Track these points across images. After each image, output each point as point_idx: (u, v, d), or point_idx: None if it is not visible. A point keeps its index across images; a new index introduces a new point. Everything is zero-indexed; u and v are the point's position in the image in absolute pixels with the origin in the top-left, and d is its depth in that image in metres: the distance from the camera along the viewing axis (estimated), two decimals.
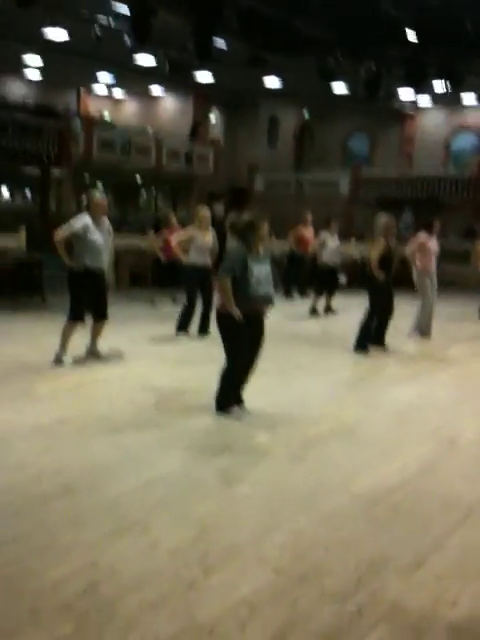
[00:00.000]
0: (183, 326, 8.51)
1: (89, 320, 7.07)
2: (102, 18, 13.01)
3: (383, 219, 8.29)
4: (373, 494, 4.03)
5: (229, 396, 5.37)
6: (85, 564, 3.11)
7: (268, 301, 5.29)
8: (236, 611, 2.81)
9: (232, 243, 5.65)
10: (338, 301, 11.74)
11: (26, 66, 18.76)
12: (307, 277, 12.69)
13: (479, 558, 3.31)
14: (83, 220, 6.71)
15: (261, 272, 5.15)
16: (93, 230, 6.69)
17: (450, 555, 3.33)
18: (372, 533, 3.55)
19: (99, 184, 18.60)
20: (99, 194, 6.94)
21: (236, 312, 5.06)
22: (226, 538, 3.41)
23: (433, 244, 9.21)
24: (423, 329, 9.36)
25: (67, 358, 6.84)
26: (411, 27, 12.45)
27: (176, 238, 8.87)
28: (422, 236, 9.17)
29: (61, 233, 6.69)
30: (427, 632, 2.68)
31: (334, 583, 3.04)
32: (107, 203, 6.95)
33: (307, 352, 8.20)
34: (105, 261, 6.87)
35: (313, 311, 11.23)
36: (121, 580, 3.00)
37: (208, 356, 7.14)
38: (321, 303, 11.39)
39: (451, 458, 4.75)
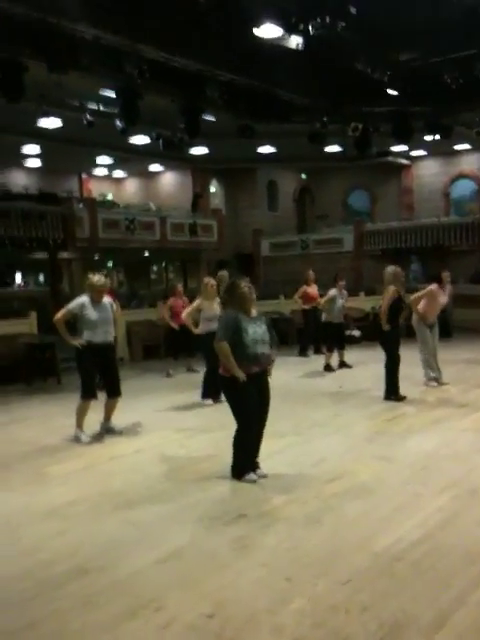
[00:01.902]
0: (208, 392, 8.54)
1: (103, 397, 7.11)
2: (92, 104, 13.56)
3: (391, 268, 8.62)
4: (393, 552, 3.92)
5: (244, 461, 5.32)
6: None
7: (266, 359, 5.30)
8: None
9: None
10: (352, 355, 11.70)
11: (26, 156, 19.43)
12: (319, 334, 12.71)
13: None
14: (80, 300, 6.87)
15: (256, 332, 5.21)
16: (90, 308, 6.82)
17: (472, 611, 3.22)
18: (393, 593, 3.45)
19: (109, 263, 19.01)
20: (96, 277, 6.96)
21: (239, 374, 5.08)
22: (243, 610, 3.33)
23: (442, 296, 9.23)
24: (432, 376, 9.29)
25: (84, 436, 6.84)
26: (393, 86, 12.83)
27: (185, 311, 9.01)
28: (434, 288, 9.19)
29: (59, 314, 6.84)
30: None
31: None
32: (105, 283, 7.02)
33: (323, 409, 8.13)
34: (108, 334, 6.95)
35: (327, 367, 11.20)
36: None
37: (224, 423, 7.09)
38: (334, 359, 11.37)
39: (472, 509, 4.63)
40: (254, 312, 5.38)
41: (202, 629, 3.17)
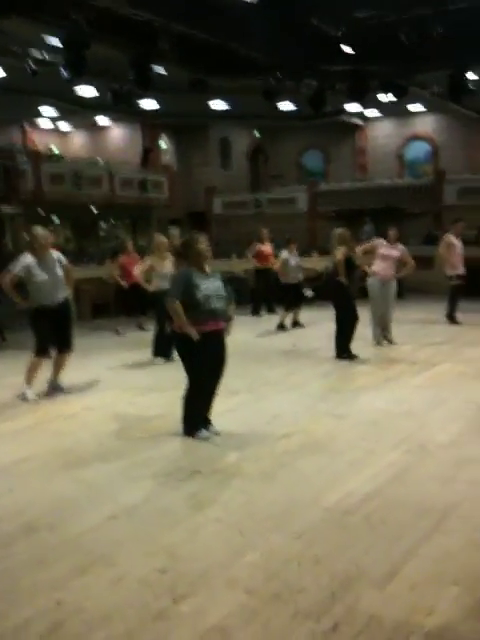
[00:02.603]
0: (159, 350, 8.43)
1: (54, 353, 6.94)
2: (37, 52, 12.90)
3: (338, 230, 8.63)
4: (345, 506, 3.96)
5: (195, 419, 5.27)
6: (48, 604, 2.98)
7: (221, 315, 5.21)
8: (208, 638, 2.71)
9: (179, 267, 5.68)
10: (305, 315, 11.74)
11: None
12: (273, 294, 12.70)
13: (452, 564, 3.25)
14: (24, 262, 6.57)
15: (209, 288, 5.11)
16: (37, 269, 6.55)
17: (424, 563, 3.26)
18: (345, 546, 3.48)
19: (54, 218, 18.42)
20: (40, 230, 6.69)
21: (192, 332, 4.99)
22: (196, 565, 3.31)
23: (389, 251, 9.27)
24: (380, 336, 9.38)
25: (31, 393, 6.68)
26: (348, 44, 12.62)
27: (137, 270, 8.85)
28: (377, 241, 9.31)
29: (6, 278, 6.59)
30: None
31: (308, 600, 2.96)
32: (49, 238, 6.75)
33: (277, 367, 8.14)
34: (59, 294, 6.73)
35: (281, 326, 11.23)
36: (87, 617, 2.88)
37: (175, 382, 7.00)
38: (288, 318, 11.39)
39: (422, 464, 4.70)
40: (208, 269, 5.29)
41: (154, 584, 3.14)
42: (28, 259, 6.59)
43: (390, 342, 9.42)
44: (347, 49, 12.17)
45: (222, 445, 5.11)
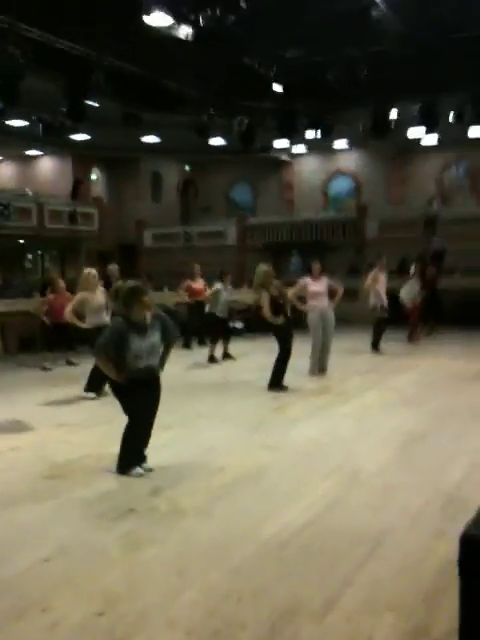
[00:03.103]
0: (93, 386, 8.26)
1: None
2: None
3: (262, 268, 8.80)
4: (281, 538, 3.99)
5: (130, 456, 5.21)
6: None
7: (150, 374, 5.15)
8: None
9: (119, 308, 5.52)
10: (235, 347, 11.83)
11: None
12: (205, 327, 12.76)
13: (387, 591, 3.32)
14: None
15: (141, 347, 5.01)
16: None
17: (359, 591, 3.32)
18: (283, 578, 3.50)
19: None
20: None
21: (122, 379, 5.00)
22: (134, 606, 3.25)
23: (316, 286, 9.56)
24: (317, 366, 9.60)
25: None
26: (278, 81, 13.05)
27: (67, 309, 8.56)
28: (303, 280, 9.60)
29: None
30: None
31: (248, 636, 2.96)
32: None
33: (208, 400, 8.15)
34: None
35: (211, 359, 11.27)
36: None
37: (106, 417, 6.97)
38: (218, 350, 11.45)
39: (355, 492, 4.81)
40: (148, 318, 5.14)
41: (92, 628, 3.06)
42: None
43: (323, 371, 9.62)
44: (278, 88, 12.56)
45: (157, 481, 5.06)
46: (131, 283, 5.24)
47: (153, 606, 3.25)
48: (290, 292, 9.38)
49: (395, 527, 4.12)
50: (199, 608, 3.22)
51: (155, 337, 5.13)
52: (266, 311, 8.47)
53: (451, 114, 15.38)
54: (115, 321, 5.26)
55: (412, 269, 13.20)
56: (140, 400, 5.10)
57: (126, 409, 5.18)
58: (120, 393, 5.16)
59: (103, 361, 5.08)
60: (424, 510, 4.40)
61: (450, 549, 3.73)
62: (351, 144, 22.85)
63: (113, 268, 9.70)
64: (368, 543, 3.87)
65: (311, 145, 22.33)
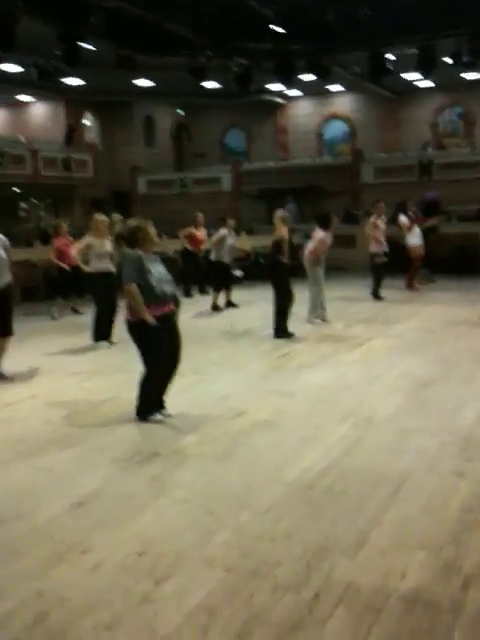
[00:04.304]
0: (100, 334, 8.31)
1: None
2: None
3: (280, 212, 8.90)
4: (305, 480, 4.11)
5: (149, 403, 5.29)
6: (29, 595, 2.97)
7: (171, 298, 5.28)
8: (195, 617, 2.78)
9: (126, 251, 5.60)
10: (237, 295, 11.85)
11: None
12: (204, 274, 12.74)
13: (415, 529, 3.45)
14: None
15: (160, 272, 5.18)
16: None
17: (389, 530, 3.45)
18: (312, 518, 3.62)
19: None
20: None
21: (149, 318, 4.99)
22: (171, 546, 3.37)
23: (330, 238, 9.54)
24: (321, 314, 9.66)
25: None
26: (277, 23, 12.73)
27: (74, 249, 8.60)
28: (320, 233, 9.47)
29: None
30: (384, 607, 2.77)
31: (286, 573, 3.08)
32: None
33: (218, 349, 8.22)
34: (3, 279, 6.54)
35: (215, 307, 11.30)
36: (70, 606, 2.89)
37: (119, 365, 7.06)
38: (221, 299, 11.47)
39: (371, 435, 4.92)
40: (151, 254, 5.29)
41: (133, 568, 3.18)
42: None
43: (324, 320, 9.68)
44: (277, 29, 12.25)
45: (177, 427, 5.17)
46: (134, 221, 5.41)
47: (189, 546, 3.36)
48: (310, 247, 9.38)
49: (414, 469, 4.24)
50: (234, 548, 3.33)
51: (162, 265, 5.29)
52: (284, 242, 8.41)
53: (447, 58, 15.12)
54: (130, 254, 5.28)
55: (403, 218, 12.96)
56: (161, 344, 5.14)
57: (145, 354, 5.18)
58: (141, 337, 5.14)
59: (133, 292, 5.00)
60: (441, 452, 4.53)
61: (472, 489, 3.89)
62: (346, 87, 22.45)
63: (116, 217, 9.57)
64: (390, 484, 3.99)
65: (306, 88, 21.94)
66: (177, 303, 5.38)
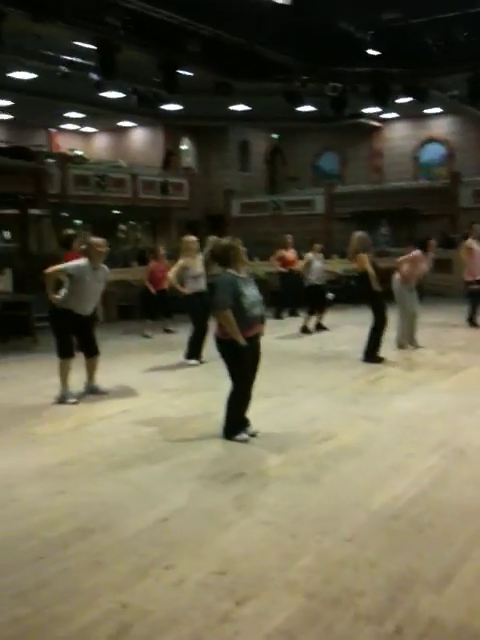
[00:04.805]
0: (194, 353, 8.50)
1: (81, 357, 7.00)
2: (67, 56, 13.07)
3: (358, 234, 8.68)
4: (391, 510, 4.00)
5: (237, 422, 5.34)
6: (113, 606, 3.04)
7: (260, 320, 5.34)
8: None
9: (217, 271, 5.67)
10: (327, 318, 11.78)
11: None
12: (297, 297, 12.75)
13: None
14: (79, 263, 6.59)
15: (252, 294, 5.22)
16: (88, 275, 6.54)
17: (477, 566, 3.30)
18: (396, 549, 3.53)
19: (77, 221, 18.57)
20: (101, 241, 6.66)
21: (241, 340, 5.06)
22: (252, 567, 3.37)
23: (425, 262, 9.34)
24: (405, 339, 9.40)
25: (70, 396, 6.75)
26: (373, 46, 12.70)
27: (171, 273, 8.72)
28: (417, 253, 9.28)
29: (52, 269, 6.58)
30: None
31: (368, 604, 3.01)
32: (105, 247, 6.73)
33: (305, 371, 8.19)
34: (91, 307, 6.78)
35: (304, 330, 11.28)
36: (153, 619, 2.94)
37: (208, 383, 7.17)
38: (312, 321, 11.44)
39: (462, 468, 4.74)
40: (244, 273, 5.36)
41: (215, 586, 3.20)
42: (84, 263, 6.59)
43: (416, 346, 9.44)
44: (373, 52, 12.23)
45: (263, 447, 5.18)
46: (225, 240, 5.43)
47: (271, 568, 3.35)
48: (400, 259, 9.23)
49: None
50: (316, 573, 3.29)
51: (255, 286, 5.33)
52: (371, 273, 8.27)
53: None
54: (222, 276, 5.33)
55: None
56: (248, 364, 5.20)
57: (234, 373, 5.26)
58: (231, 355, 5.21)
59: (227, 316, 5.06)
60: None
61: None
62: (444, 109, 22.01)
63: (211, 238, 9.67)
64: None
65: (402, 111, 21.69)
66: (263, 322, 5.42)
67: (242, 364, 5.19)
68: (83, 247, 6.81)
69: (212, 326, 6.11)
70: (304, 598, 3.08)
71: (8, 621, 2.95)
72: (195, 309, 8.50)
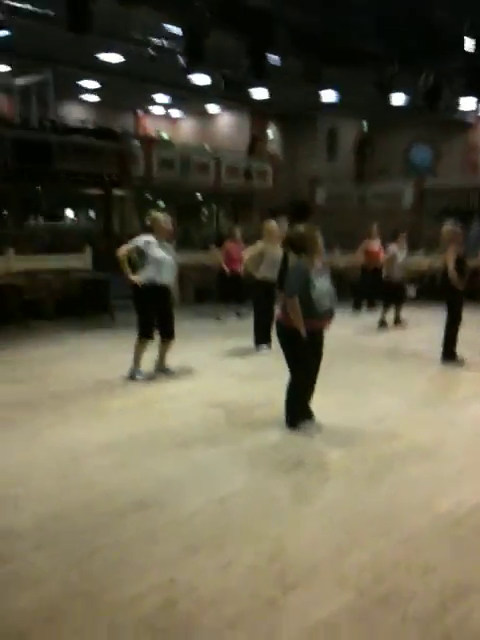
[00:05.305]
0: (261, 339, 8.46)
1: (157, 337, 7.12)
2: (155, 40, 13.20)
3: (448, 227, 8.24)
4: (456, 515, 3.86)
5: (297, 411, 5.28)
6: (162, 581, 3.09)
7: (330, 315, 5.20)
8: (317, 632, 2.74)
9: (293, 259, 5.56)
10: (407, 314, 11.47)
11: (84, 89, 19.28)
12: (377, 290, 12.45)
13: None
14: (146, 237, 6.75)
15: (323, 286, 5.08)
16: (156, 246, 6.70)
17: None
18: (456, 556, 3.40)
19: (160, 203, 18.88)
20: (163, 217, 6.83)
21: (303, 331, 4.99)
22: (304, 557, 3.33)
23: None
24: None
25: (140, 375, 6.90)
26: (470, 35, 12.15)
27: (247, 253, 8.65)
28: None
29: (124, 248, 6.73)
30: None
31: (417, 607, 2.92)
32: (172, 226, 6.90)
33: (380, 367, 7.96)
34: (171, 277, 6.90)
35: (382, 324, 11.01)
36: (199, 597, 2.96)
37: (276, 370, 7.04)
38: (390, 316, 11.16)
39: None
40: (319, 263, 5.24)
41: (264, 571, 3.19)
42: (150, 237, 6.74)
43: None
44: (470, 43, 11.71)
45: (326, 440, 5.09)
46: (303, 227, 5.24)
47: (322, 561, 3.30)
48: None
49: None
50: (367, 571, 3.22)
51: (328, 279, 5.17)
52: (452, 268, 7.83)
53: None
54: (297, 264, 5.23)
55: None
56: (308, 354, 5.11)
57: (292, 362, 5.18)
58: (289, 344, 5.14)
59: (294, 304, 4.98)
60: None
61: None
62: None
63: (283, 224, 9.35)
64: None
65: None
66: (331, 317, 5.27)
67: (299, 355, 5.10)
68: (148, 223, 6.91)
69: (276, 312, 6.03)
70: (352, 594, 3.02)
71: (59, 584, 3.05)
72: (259, 295, 8.41)
